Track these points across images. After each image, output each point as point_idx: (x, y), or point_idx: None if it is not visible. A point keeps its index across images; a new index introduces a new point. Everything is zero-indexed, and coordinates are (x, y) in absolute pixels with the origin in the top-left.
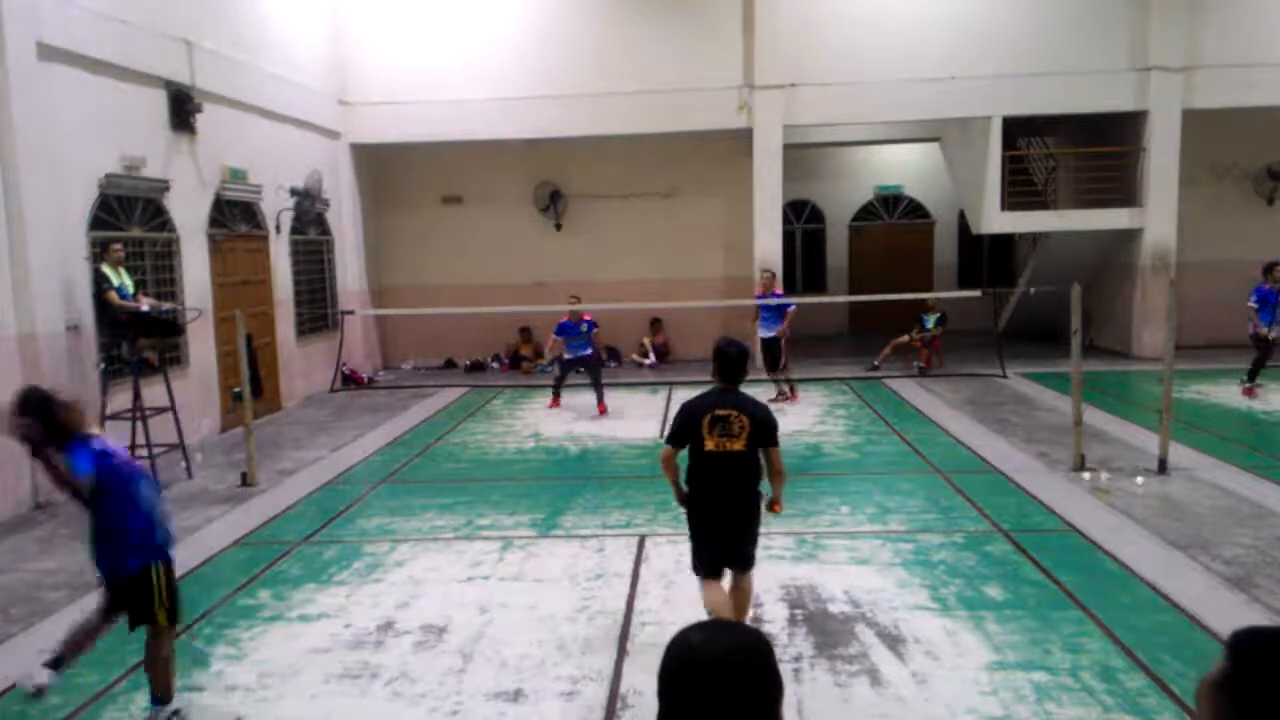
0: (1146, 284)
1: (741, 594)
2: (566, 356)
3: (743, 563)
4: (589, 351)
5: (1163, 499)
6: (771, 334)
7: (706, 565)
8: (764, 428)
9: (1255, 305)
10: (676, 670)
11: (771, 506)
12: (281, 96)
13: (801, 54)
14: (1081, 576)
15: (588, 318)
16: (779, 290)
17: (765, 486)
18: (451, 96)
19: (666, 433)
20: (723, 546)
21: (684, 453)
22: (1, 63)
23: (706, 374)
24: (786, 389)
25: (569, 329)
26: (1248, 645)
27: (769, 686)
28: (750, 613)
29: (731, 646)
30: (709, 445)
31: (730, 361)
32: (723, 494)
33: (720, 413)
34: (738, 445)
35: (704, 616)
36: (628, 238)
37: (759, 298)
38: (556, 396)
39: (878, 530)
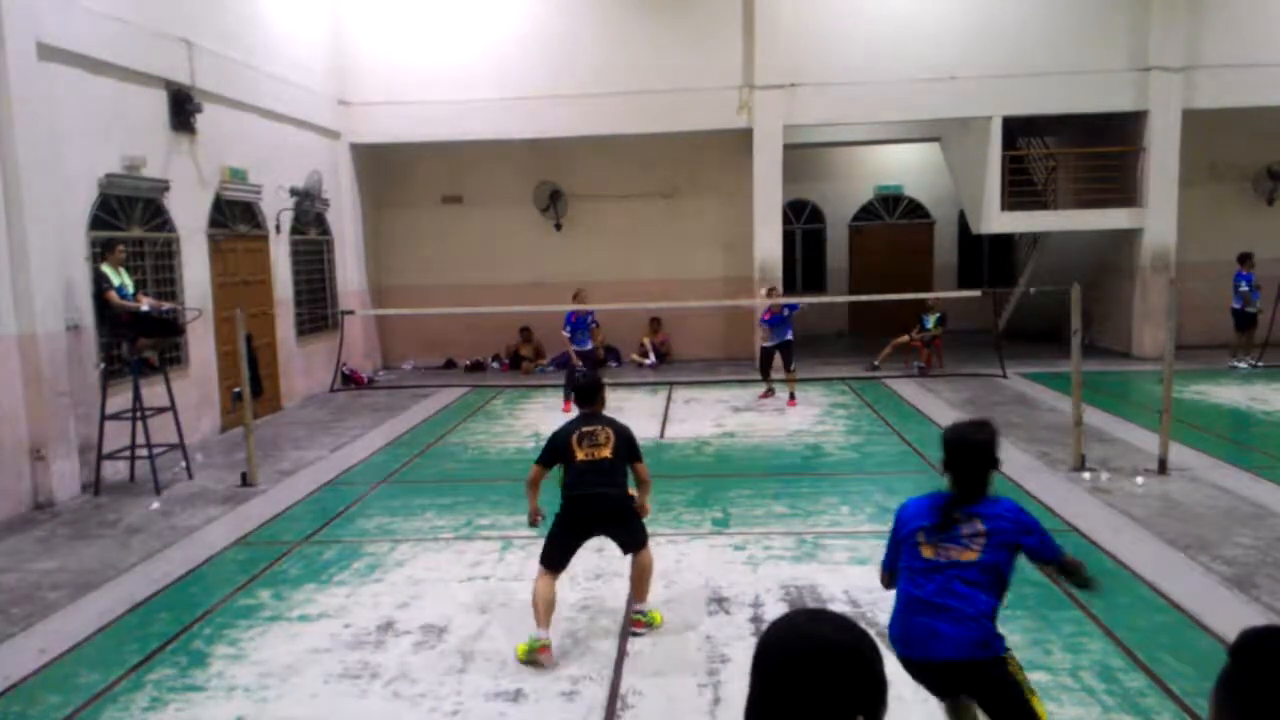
0: (1146, 284)
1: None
2: (575, 349)
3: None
4: (590, 346)
5: (1163, 499)
6: (773, 342)
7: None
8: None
9: (1247, 289)
10: (779, 649)
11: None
12: (281, 96)
13: (801, 54)
14: None
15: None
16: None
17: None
18: (451, 96)
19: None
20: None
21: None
22: (1, 63)
23: (707, 373)
24: (776, 388)
25: (580, 323)
26: (1248, 644)
27: (873, 684)
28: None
29: (837, 636)
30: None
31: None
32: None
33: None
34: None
35: (703, 617)
36: (628, 238)
37: (770, 319)
38: (569, 399)
39: (878, 530)
